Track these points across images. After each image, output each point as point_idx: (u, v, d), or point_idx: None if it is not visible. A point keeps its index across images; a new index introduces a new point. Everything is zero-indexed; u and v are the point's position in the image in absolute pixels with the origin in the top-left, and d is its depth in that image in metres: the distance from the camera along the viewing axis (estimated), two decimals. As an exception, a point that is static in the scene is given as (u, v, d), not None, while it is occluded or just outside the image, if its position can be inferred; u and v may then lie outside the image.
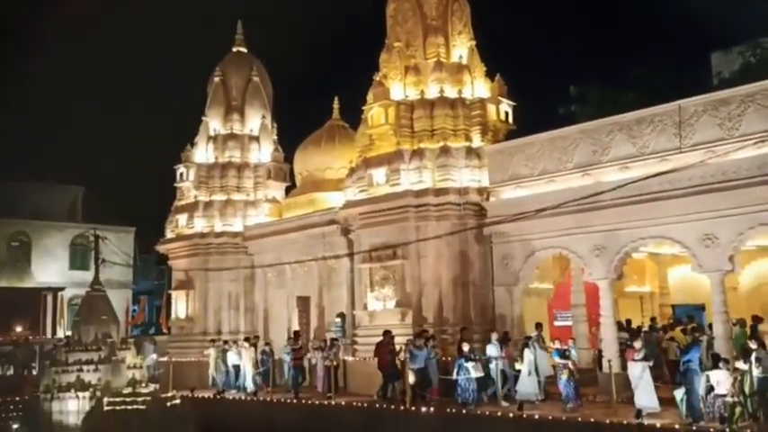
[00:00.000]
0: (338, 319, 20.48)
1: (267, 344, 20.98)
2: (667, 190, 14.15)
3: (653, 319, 18.10)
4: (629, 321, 17.17)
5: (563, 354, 14.51)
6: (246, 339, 21.07)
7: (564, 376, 14.24)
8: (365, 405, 16.52)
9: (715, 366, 12.10)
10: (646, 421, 12.31)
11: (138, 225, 36.88)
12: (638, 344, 13.50)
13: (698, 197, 13.95)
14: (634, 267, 18.09)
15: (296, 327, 22.10)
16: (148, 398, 15.29)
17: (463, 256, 18.23)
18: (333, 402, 17.30)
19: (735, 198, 13.49)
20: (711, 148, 13.94)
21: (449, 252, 18.20)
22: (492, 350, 15.52)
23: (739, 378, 11.64)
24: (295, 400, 18.29)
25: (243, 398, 19.78)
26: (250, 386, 19.85)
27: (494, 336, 15.94)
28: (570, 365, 14.30)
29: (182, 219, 25.71)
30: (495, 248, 17.60)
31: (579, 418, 13.20)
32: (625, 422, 12.48)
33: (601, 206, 15.05)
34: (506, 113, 19.63)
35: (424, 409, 15.31)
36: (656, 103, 15.63)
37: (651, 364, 13.43)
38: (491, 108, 19.30)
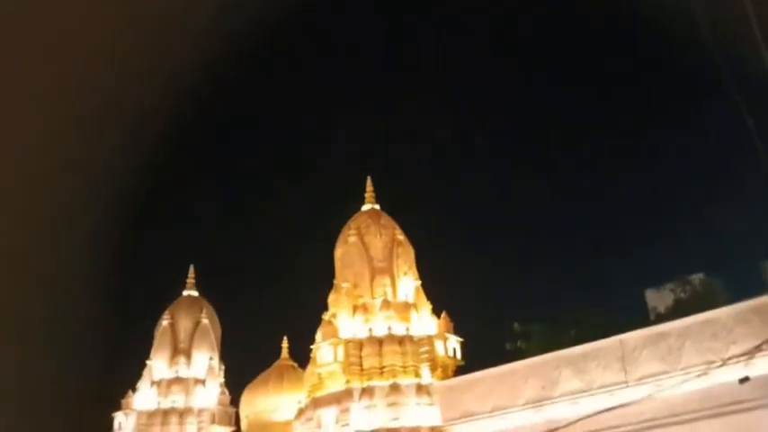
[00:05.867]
0: None
1: None
2: (617, 426, 14.03)
3: None
4: None
5: None
6: None
7: None
8: None
9: None
10: None
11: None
12: None
13: (648, 432, 13.84)
14: None
15: None
16: None
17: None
18: None
19: None
20: (656, 381, 14.15)
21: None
22: None
23: None
24: None
25: None
26: None
27: None
28: None
29: (116, 471, 23.80)
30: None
31: None
32: None
33: (555, 443, 14.69)
34: (454, 349, 19.77)
35: None
36: (598, 338, 16.03)
37: None
38: (439, 344, 19.45)
